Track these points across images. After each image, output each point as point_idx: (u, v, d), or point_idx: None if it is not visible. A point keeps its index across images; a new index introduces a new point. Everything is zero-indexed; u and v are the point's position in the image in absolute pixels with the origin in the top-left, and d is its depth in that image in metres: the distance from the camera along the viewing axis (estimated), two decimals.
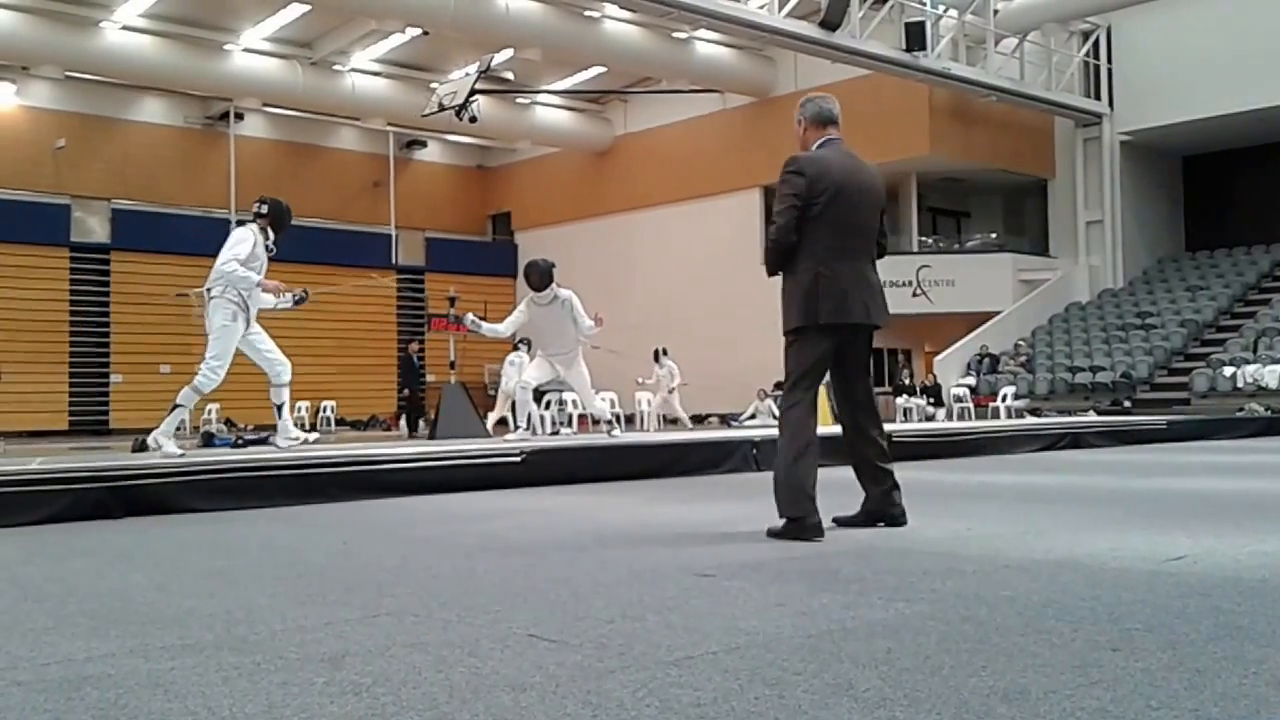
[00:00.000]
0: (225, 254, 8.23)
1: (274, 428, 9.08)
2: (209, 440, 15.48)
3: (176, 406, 8.28)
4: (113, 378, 26.03)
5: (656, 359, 18.92)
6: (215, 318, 8.26)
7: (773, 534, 4.51)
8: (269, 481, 6.77)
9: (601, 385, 18.79)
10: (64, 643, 2.80)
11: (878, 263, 4.85)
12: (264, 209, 8.55)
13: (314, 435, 8.97)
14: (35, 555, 4.74)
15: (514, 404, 11.59)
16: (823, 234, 4.59)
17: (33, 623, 3.10)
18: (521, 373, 17.07)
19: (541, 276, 10.24)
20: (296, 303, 9.04)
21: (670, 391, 19.26)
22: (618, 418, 19.32)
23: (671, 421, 19.21)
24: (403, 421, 20.14)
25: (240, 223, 8.94)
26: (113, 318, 26.16)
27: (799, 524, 4.44)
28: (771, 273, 4.81)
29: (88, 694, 2.27)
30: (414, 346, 20.37)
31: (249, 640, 2.77)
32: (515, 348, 17.89)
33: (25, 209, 24.95)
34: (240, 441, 14.38)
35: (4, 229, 24.52)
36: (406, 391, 20.07)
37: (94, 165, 26.12)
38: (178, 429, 8.52)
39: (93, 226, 26.31)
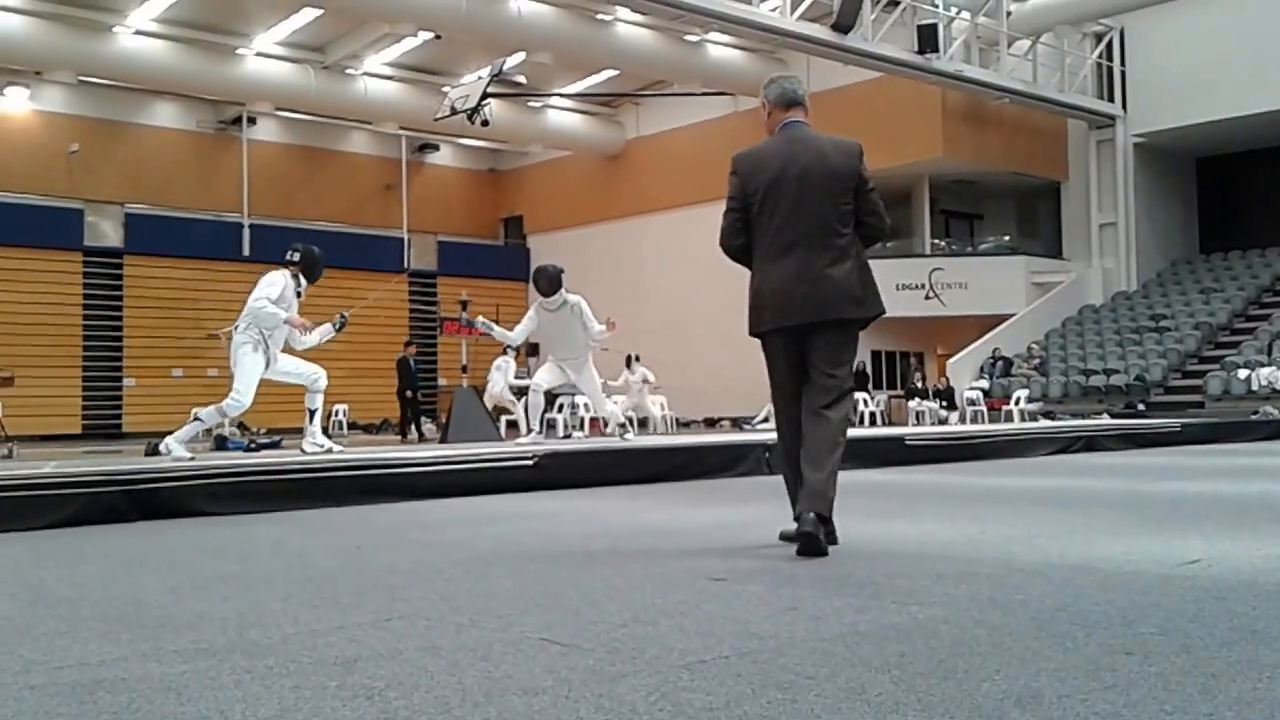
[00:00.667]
0: (258, 293, 8.65)
1: (294, 431, 9.25)
2: (222, 444, 15.53)
3: (197, 419, 8.65)
4: (125, 381, 26.12)
5: (628, 365, 18.87)
6: (238, 352, 8.64)
7: (783, 537, 4.47)
8: (281, 485, 6.78)
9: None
10: (77, 646, 2.81)
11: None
12: (296, 256, 9.08)
13: (338, 448, 9.06)
14: (48, 559, 4.75)
15: (526, 406, 11.56)
16: (765, 233, 4.34)
17: (46, 627, 3.11)
18: (507, 376, 17.06)
19: (550, 282, 10.25)
20: (338, 329, 9.45)
21: (653, 391, 19.28)
22: (630, 421, 19.33)
23: (642, 422, 19.25)
24: (412, 427, 20.06)
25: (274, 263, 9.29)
26: (125, 322, 26.26)
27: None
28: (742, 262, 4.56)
29: (101, 698, 2.28)
30: (410, 350, 20.26)
31: (262, 644, 2.78)
32: (504, 352, 17.86)
33: (39, 213, 25.07)
34: (253, 445, 14.44)
35: (18, 233, 24.64)
36: (408, 394, 19.99)
37: (107, 170, 26.23)
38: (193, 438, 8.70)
39: (106, 231, 26.42)
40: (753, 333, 4.46)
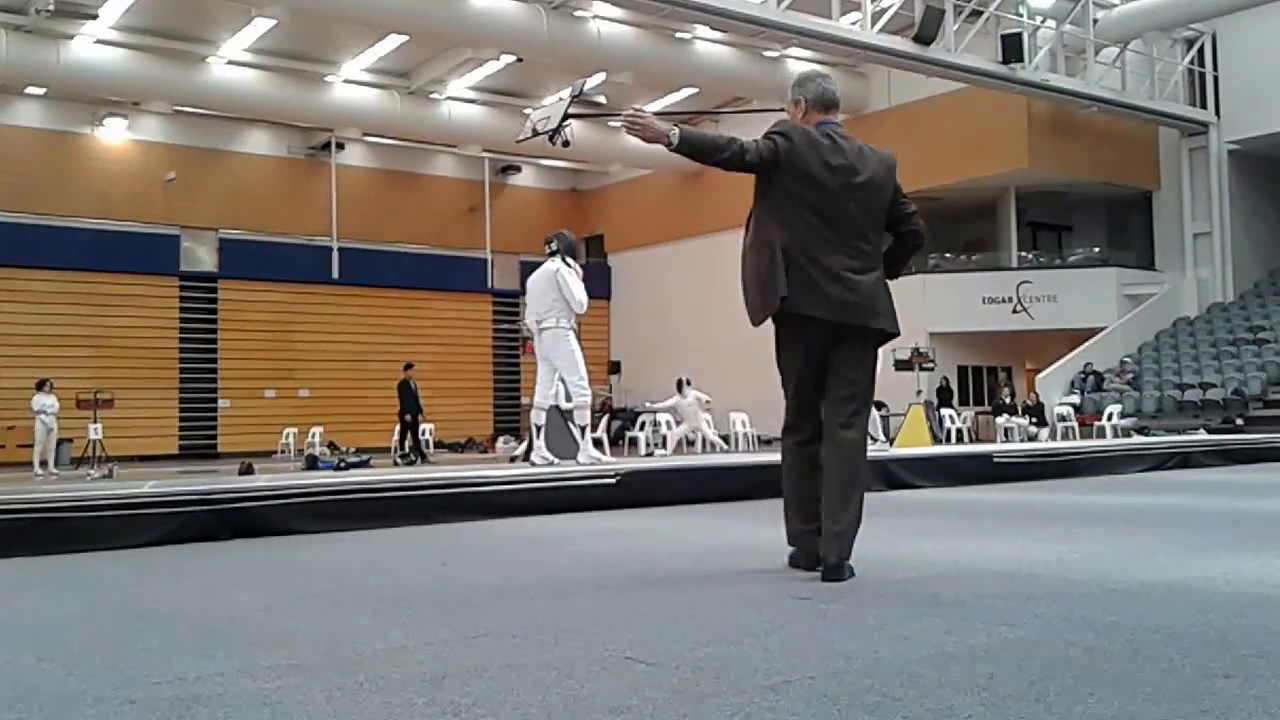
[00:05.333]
0: (578, 291, 9.23)
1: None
2: (313, 464, 15.84)
3: (582, 427, 9.41)
4: (220, 403, 26.78)
5: (680, 389, 18.57)
6: (564, 344, 9.25)
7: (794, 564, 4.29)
8: (369, 504, 6.89)
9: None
10: (175, 662, 2.88)
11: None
12: (556, 245, 9.53)
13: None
14: (147, 576, 4.89)
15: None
16: (802, 216, 4.10)
17: (145, 643, 3.20)
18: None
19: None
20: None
21: (706, 415, 18.95)
22: (725, 438, 19.21)
23: (691, 445, 18.85)
24: (410, 450, 19.73)
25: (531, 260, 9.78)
26: (220, 344, 26.95)
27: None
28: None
29: (198, 712, 2.33)
30: (411, 372, 20.08)
31: (352, 660, 2.82)
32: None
33: (137, 240, 25.88)
34: (342, 464, 14.71)
35: (117, 259, 25.46)
36: (408, 417, 19.77)
37: (202, 196, 26.99)
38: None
39: (201, 256, 27.17)
40: (778, 311, 4.08)
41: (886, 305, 4.15)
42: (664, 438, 18.30)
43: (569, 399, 9.62)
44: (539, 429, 9.56)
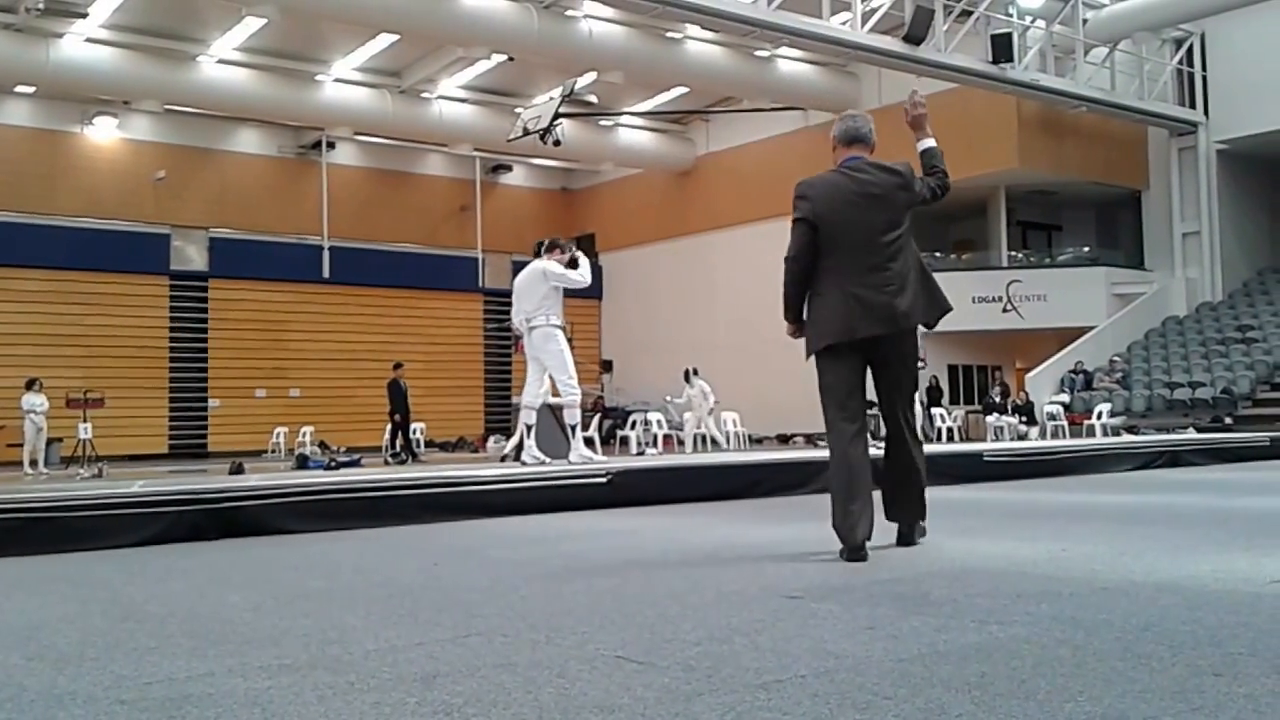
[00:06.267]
0: (572, 273, 9.38)
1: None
2: (303, 463, 15.80)
3: (572, 426, 9.46)
4: (210, 402, 26.72)
5: (687, 379, 18.46)
6: (551, 344, 9.32)
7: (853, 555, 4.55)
8: (361, 504, 6.88)
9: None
10: (165, 662, 2.88)
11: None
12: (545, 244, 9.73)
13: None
14: (137, 576, 4.88)
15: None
16: (827, 256, 4.66)
17: (135, 642, 3.19)
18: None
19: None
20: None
21: (710, 412, 18.92)
22: (727, 436, 19.19)
23: (713, 443, 18.84)
24: (401, 449, 19.70)
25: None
26: (210, 344, 26.88)
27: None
28: (789, 315, 4.83)
29: (188, 712, 2.33)
30: (400, 372, 20.03)
31: (343, 660, 2.82)
32: None
33: (127, 239, 25.79)
34: (333, 464, 14.68)
35: (107, 258, 25.38)
36: (398, 417, 19.74)
37: (192, 195, 26.92)
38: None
39: (191, 255, 27.08)
40: (815, 350, 4.69)
41: (914, 301, 4.66)
42: (655, 436, 18.28)
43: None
44: (529, 428, 9.55)
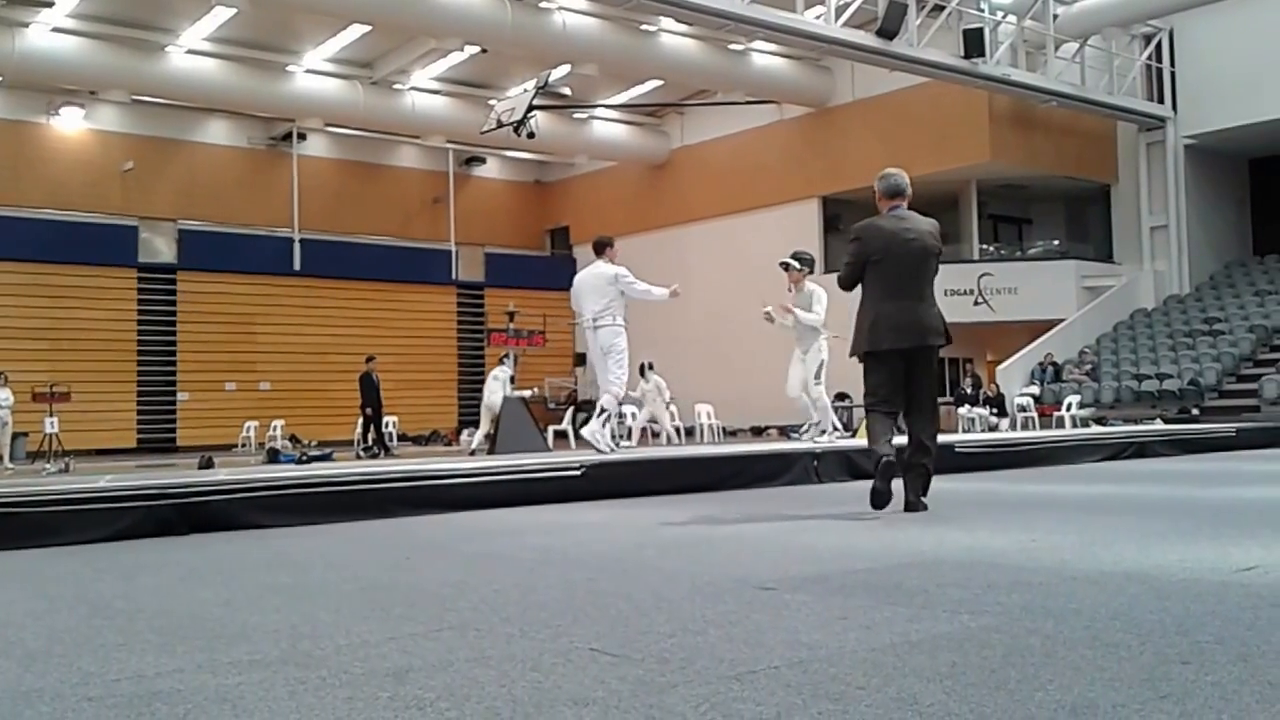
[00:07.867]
0: (641, 284, 9.98)
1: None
2: (274, 457, 15.72)
3: (603, 410, 9.57)
4: (179, 396, 26.52)
5: (642, 373, 18.42)
6: (619, 339, 9.80)
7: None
8: (331, 498, 6.84)
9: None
10: (133, 658, 2.85)
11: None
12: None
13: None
14: (105, 572, 4.83)
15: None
16: (877, 281, 6.12)
17: (103, 639, 3.16)
18: (505, 387, 16.67)
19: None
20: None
21: (667, 406, 18.80)
22: (678, 430, 19.19)
23: (656, 436, 18.75)
24: (373, 443, 19.66)
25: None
26: (179, 337, 26.67)
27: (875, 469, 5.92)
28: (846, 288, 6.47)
29: (157, 709, 2.31)
30: (372, 365, 19.98)
31: (314, 655, 2.81)
32: (500, 362, 17.68)
33: (94, 230, 25.56)
34: (304, 458, 14.60)
35: (74, 250, 25.14)
36: (369, 411, 19.64)
37: (160, 186, 26.69)
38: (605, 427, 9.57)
39: (159, 247, 26.87)
40: (864, 351, 6.14)
41: (941, 327, 6.16)
42: (629, 429, 18.25)
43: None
44: (609, 415, 9.89)
